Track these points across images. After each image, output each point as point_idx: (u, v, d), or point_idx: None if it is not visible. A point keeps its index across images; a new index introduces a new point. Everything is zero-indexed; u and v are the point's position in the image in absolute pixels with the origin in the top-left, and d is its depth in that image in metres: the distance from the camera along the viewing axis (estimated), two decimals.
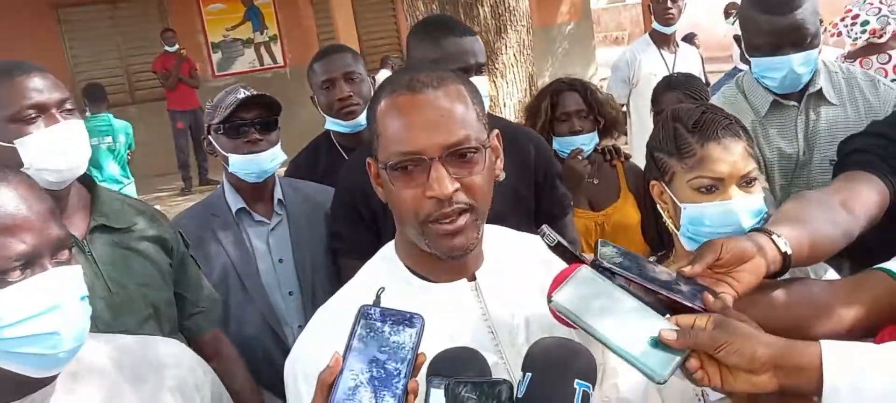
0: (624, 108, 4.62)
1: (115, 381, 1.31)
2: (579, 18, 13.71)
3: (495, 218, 2.17)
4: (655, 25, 4.53)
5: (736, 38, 8.33)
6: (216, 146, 2.27)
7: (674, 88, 2.92)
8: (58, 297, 1.14)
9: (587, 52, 13.86)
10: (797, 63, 2.14)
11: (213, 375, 1.49)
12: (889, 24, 3.18)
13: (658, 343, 1.02)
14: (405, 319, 1.00)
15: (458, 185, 1.14)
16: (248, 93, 2.22)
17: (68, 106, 1.71)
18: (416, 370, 0.99)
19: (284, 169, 2.62)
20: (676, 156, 1.50)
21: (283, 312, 2.27)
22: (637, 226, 2.75)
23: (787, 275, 1.57)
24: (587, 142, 2.73)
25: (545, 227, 1.17)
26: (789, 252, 1.29)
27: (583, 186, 2.75)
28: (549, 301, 1.06)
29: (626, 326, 1.03)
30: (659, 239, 2.49)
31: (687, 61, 4.58)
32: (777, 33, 2.13)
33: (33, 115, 1.66)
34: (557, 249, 1.15)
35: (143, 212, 1.93)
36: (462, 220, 1.16)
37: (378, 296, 1.04)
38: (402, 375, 0.96)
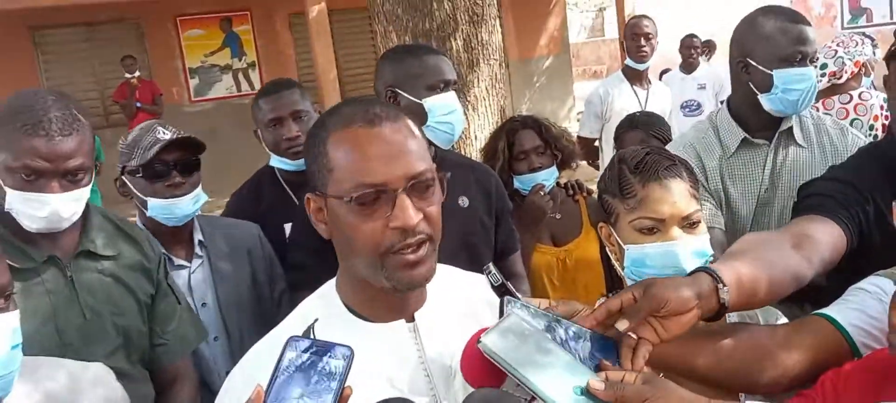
0: (596, 144, 4.65)
1: None
2: (558, 52, 13.82)
3: (466, 247, 2.23)
4: (628, 62, 4.58)
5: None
6: (132, 189, 2.14)
7: (636, 127, 2.92)
8: None
9: (565, 86, 13.95)
10: (813, 76, 2.17)
11: None
12: (845, 65, 3.23)
13: (584, 392, 1.03)
14: (333, 351, 0.98)
15: (421, 216, 1.14)
16: (170, 134, 2.10)
17: (75, 174, 1.68)
18: (343, 402, 0.96)
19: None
20: (620, 197, 1.50)
21: (208, 360, 2.19)
22: (599, 261, 2.74)
23: (736, 319, 1.57)
24: (548, 177, 2.73)
25: (491, 266, 1.18)
26: (727, 304, 1.29)
27: (545, 222, 2.74)
28: (478, 343, 1.05)
29: (553, 373, 1.03)
30: (611, 280, 2.49)
31: (659, 98, 4.62)
32: (805, 42, 2.16)
33: (31, 178, 1.64)
34: (501, 289, 1.15)
35: (134, 239, 1.91)
36: (423, 250, 1.15)
37: (309, 328, 1.02)
38: None
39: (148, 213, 2.14)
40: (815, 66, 3.27)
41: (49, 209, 1.67)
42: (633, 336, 1.17)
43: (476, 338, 1.08)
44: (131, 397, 1.81)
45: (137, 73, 9.66)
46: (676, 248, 1.45)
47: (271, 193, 2.58)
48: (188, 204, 2.13)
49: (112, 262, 1.84)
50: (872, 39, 3.57)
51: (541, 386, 1.01)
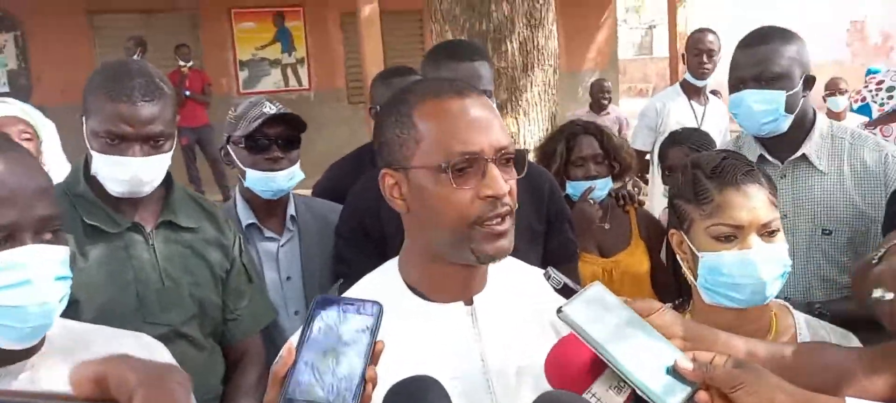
0: (647, 157, 4.57)
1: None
2: (605, 67, 13.69)
3: (513, 253, 2.17)
4: (687, 77, 4.45)
5: None
6: (234, 158, 2.25)
7: (679, 143, 2.87)
8: (30, 273, 1.15)
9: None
10: (752, 99, 2.12)
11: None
12: None
13: (669, 371, 0.97)
14: (362, 307, 0.96)
15: (509, 186, 1.15)
16: (274, 109, 2.20)
17: (156, 141, 1.77)
18: (375, 357, 0.94)
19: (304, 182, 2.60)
20: (694, 203, 1.46)
21: (287, 332, 2.20)
22: (646, 275, 2.70)
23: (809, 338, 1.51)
24: (602, 186, 2.68)
25: (550, 269, 1.15)
26: None
27: (593, 231, 2.69)
28: (559, 312, 1.01)
29: (636, 348, 0.99)
30: (677, 289, 2.42)
31: (716, 114, 4.52)
32: (738, 67, 2.18)
33: (114, 142, 1.74)
34: (564, 292, 1.12)
35: (212, 216, 1.99)
36: (508, 222, 1.16)
37: (336, 288, 1.01)
38: (360, 363, 0.91)
39: (245, 184, 2.24)
40: (882, 93, 3.17)
41: (130, 172, 1.75)
42: None
43: (561, 344, 1.04)
44: (203, 367, 1.90)
45: (191, 63, 9.79)
46: (755, 257, 1.40)
47: (370, 169, 2.63)
48: (284, 180, 2.22)
49: (192, 234, 1.91)
50: None
51: (624, 362, 0.96)
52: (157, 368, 0.65)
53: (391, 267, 1.30)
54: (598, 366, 1.00)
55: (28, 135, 2.92)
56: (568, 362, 1.03)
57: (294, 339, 0.95)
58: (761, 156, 2.23)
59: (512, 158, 1.17)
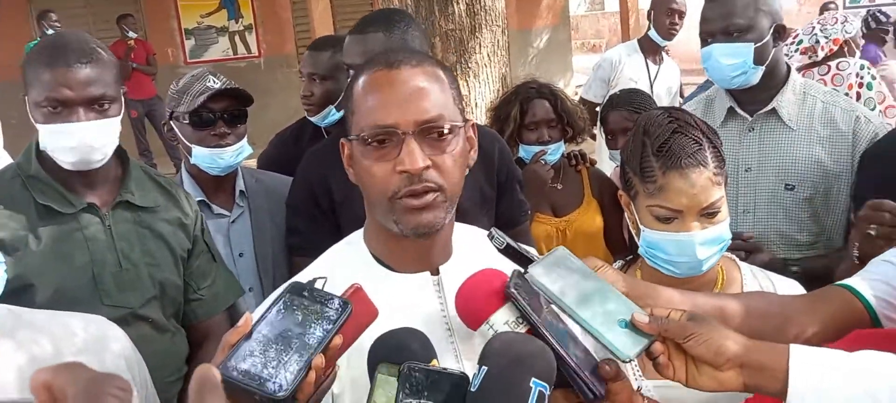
0: (598, 108, 4.57)
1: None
2: (557, 23, 13.72)
3: (461, 216, 2.13)
4: (651, 34, 4.40)
5: None
6: (179, 134, 2.18)
7: (617, 107, 2.81)
8: None
9: (564, 58, 13.87)
10: (720, 53, 2.13)
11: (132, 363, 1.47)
12: (820, 42, 3.17)
13: (627, 325, 1.04)
14: (331, 302, 0.97)
15: (429, 163, 1.14)
16: (219, 83, 2.13)
17: (100, 104, 1.72)
18: (329, 351, 0.95)
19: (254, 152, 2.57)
20: (639, 177, 1.47)
21: (241, 309, 2.17)
22: (599, 233, 2.73)
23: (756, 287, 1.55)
24: (554, 150, 2.69)
25: (494, 230, 1.15)
26: None
27: (546, 191, 2.71)
28: (525, 272, 1.06)
29: (596, 305, 1.05)
30: (631, 245, 2.44)
31: (668, 74, 4.54)
32: (706, 21, 2.18)
33: (57, 109, 1.68)
34: (507, 251, 1.13)
35: (172, 195, 1.93)
36: (430, 197, 1.16)
37: (314, 280, 1.01)
38: (310, 350, 0.92)
39: (192, 161, 2.17)
40: (792, 46, 3.20)
41: (77, 139, 1.69)
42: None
43: (475, 276, 1.10)
44: (165, 350, 1.87)
45: (136, 35, 9.54)
46: (692, 239, 1.43)
47: (312, 138, 2.64)
48: (231, 156, 2.17)
49: (150, 214, 1.86)
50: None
51: (585, 316, 1.02)
52: (95, 378, 0.65)
53: (357, 238, 1.30)
54: (496, 300, 1.06)
55: None
56: (472, 296, 1.08)
57: (258, 312, 0.96)
58: (731, 109, 2.23)
59: (444, 133, 1.16)
